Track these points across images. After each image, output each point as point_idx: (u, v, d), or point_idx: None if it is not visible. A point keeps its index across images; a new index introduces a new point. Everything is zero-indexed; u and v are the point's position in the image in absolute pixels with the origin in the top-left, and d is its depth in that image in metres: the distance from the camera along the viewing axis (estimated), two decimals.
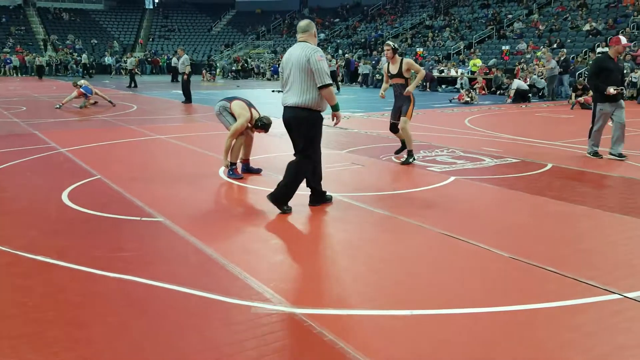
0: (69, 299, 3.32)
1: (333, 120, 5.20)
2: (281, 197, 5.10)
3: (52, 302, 3.27)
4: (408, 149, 7.53)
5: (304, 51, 4.89)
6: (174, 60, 18.84)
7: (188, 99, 16.89)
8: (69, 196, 5.66)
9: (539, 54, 21.89)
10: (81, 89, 15.04)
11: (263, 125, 6.65)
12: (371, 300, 3.33)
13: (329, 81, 4.93)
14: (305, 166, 5.13)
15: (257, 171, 6.79)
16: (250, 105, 6.67)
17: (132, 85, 24.15)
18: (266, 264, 3.87)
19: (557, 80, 18.20)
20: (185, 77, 16.69)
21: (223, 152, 6.60)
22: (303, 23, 5.14)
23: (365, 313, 3.14)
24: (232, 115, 6.59)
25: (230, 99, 6.72)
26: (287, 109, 5.05)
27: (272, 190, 5.15)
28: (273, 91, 22.71)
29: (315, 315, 3.08)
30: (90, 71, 33.93)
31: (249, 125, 6.63)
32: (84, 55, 36.52)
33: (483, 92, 20.72)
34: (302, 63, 4.87)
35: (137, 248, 4.23)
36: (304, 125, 5.00)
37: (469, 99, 17.16)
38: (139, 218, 4.93)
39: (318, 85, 4.87)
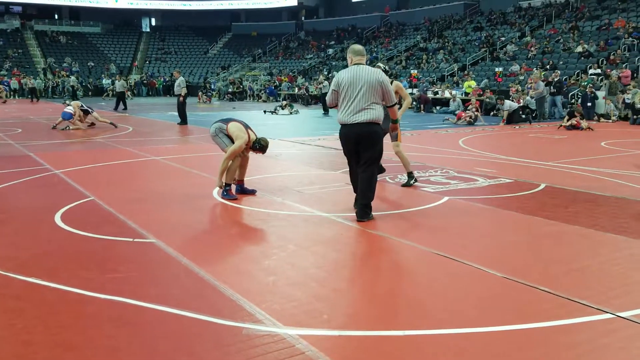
0: (60, 321, 3.29)
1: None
2: (369, 210, 5.55)
3: (43, 324, 3.24)
4: (407, 170, 7.48)
5: (375, 74, 5.50)
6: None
7: (183, 120, 16.95)
8: (61, 217, 5.64)
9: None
10: (62, 115, 15.12)
11: (261, 147, 6.68)
12: (364, 321, 3.31)
13: (396, 100, 5.85)
14: (376, 172, 5.79)
15: (252, 192, 6.79)
16: (246, 127, 6.70)
17: (122, 107, 24.02)
18: (258, 285, 3.85)
19: (549, 102, 18.35)
20: (181, 99, 16.77)
21: (218, 173, 6.60)
22: (360, 47, 5.73)
23: (358, 334, 3.12)
24: (228, 136, 6.61)
25: (226, 121, 6.74)
26: (358, 125, 5.46)
27: (356, 210, 5.59)
28: (265, 112, 22.85)
29: (307, 336, 3.06)
30: (78, 93, 33.81)
31: (246, 146, 6.66)
32: (72, 78, 36.63)
33: (477, 112, 20.84)
34: (375, 83, 5.46)
35: (129, 269, 4.20)
36: (378, 138, 5.62)
37: (472, 120, 17.24)
38: (131, 239, 4.92)
39: (388, 104, 5.71)
